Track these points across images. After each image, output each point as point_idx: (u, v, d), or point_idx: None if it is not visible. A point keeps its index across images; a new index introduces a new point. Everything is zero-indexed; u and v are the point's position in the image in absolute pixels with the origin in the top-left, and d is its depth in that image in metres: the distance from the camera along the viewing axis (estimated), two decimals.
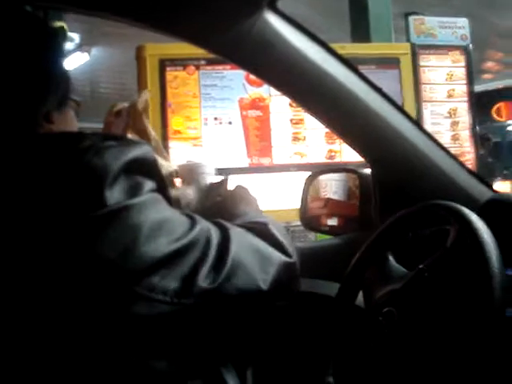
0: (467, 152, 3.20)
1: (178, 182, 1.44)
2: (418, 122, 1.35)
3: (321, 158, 2.93)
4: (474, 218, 0.90)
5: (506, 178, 8.14)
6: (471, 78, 3.29)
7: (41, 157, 0.75)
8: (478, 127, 3.22)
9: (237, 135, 2.88)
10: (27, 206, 0.72)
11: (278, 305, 0.98)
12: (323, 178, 1.89)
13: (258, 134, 2.88)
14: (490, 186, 1.30)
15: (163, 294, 0.75)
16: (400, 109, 1.32)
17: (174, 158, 2.83)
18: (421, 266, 0.96)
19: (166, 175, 1.40)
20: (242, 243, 0.88)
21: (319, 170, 1.86)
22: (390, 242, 1.11)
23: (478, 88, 3.57)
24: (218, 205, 1.27)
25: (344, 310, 1.15)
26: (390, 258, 1.10)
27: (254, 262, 0.88)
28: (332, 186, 1.99)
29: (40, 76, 0.87)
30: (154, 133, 1.60)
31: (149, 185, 0.79)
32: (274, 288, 0.89)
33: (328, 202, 1.81)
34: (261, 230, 0.96)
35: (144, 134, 1.54)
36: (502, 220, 1.09)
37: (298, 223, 1.88)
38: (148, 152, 0.81)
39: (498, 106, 10.33)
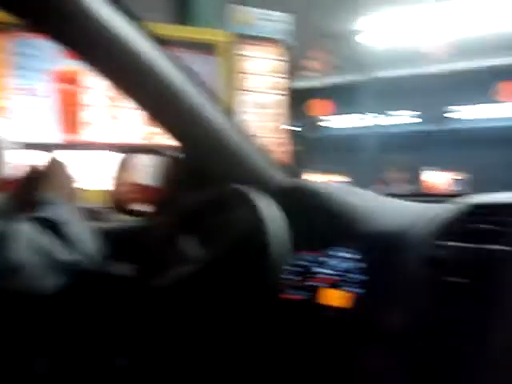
0: (283, 143, 3.31)
1: None
2: (225, 107, 1.36)
3: (136, 139, 2.88)
4: (261, 203, 0.93)
5: (317, 171, 8.63)
6: (290, 72, 3.40)
7: None
8: (294, 123, 3.35)
9: (49, 109, 2.74)
10: None
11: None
12: (136, 161, 1.85)
13: (71, 109, 2.77)
14: (293, 174, 1.35)
15: None
16: (208, 92, 1.32)
17: None
18: (213, 249, 0.98)
19: None
20: (29, 241, 0.85)
21: (132, 150, 1.82)
22: (186, 224, 1.11)
23: (298, 84, 3.71)
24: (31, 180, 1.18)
25: (139, 290, 1.14)
26: (186, 239, 1.10)
27: (40, 263, 0.85)
28: (142, 172, 1.97)
29: None
30: None
31: None
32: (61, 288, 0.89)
33: (139, 187, 1.78)
34: (54, 230, 0.93)
35: None
36: (296, 207, 1.13)
37: (105, 205, 1.83)
38: None
39: (312, 102, 10.91)
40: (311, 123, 11.66)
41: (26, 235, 0.85)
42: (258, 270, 0.85)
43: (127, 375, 1.11)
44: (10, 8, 1.10)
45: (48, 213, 0.97)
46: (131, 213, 1.90)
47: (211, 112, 1.30)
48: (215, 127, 1.29)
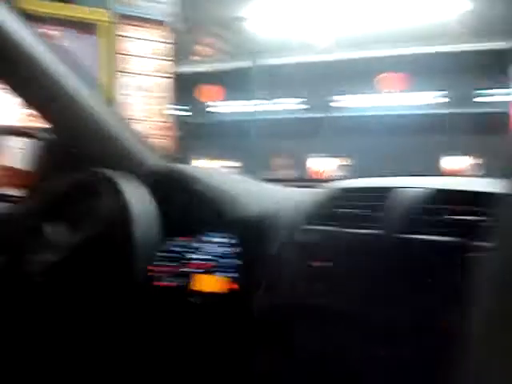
0: (167, 127, 3.26)
1: None
2: (97, 88, 1.32)
3: (11, 121, 2.74)
4: (127, 188, 0.90)
5: (204, 156, 8.63)
6: (177, 56, 3.35)
7: None
8: (182, 107, 3.31)
9: None
10: None
11: None
12: (8, 143, 1.76)
13: None
14: (170, 158, 1.33)
15: None
16: (83, 74, 1.28)
17: None
18: (78, 236, 0.94)
19: None
20: None
21: (3, 132, 1.73)
22: (50, 210, 1.07)
23: (186, 69, 3.67)
24: None
25: (6, 278, 1.08)
26: (53, 226, 1.06)
27: None
28: (16, 154, 1.88)
29: None
30: None
31: None
32: None
33: (10, 170, 1.70)
34: None
35: None
36: (168, 192, 1.11)
37: None
38: None
39: (200, 88, 10.89)
40: (199, 108, 11.63)
41: None
42: (122, 257, 0.83)
43: None
44: None
45: None
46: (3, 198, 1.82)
47: (84, 94, 1.25)
48: (87, 109, 1.24)
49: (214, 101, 11.32)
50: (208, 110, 11.97)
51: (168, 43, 3.41)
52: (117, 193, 0.88)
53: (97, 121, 1.26)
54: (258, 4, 9.44)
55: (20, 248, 1.08)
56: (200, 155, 8.33)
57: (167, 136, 3.16)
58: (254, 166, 8.25)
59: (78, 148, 1.28)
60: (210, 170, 1.22)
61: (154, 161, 1.29)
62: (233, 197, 1.03)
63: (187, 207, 1.05)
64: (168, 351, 0.94)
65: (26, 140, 1.67)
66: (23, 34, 1.16)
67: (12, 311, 1.06)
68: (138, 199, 0.88)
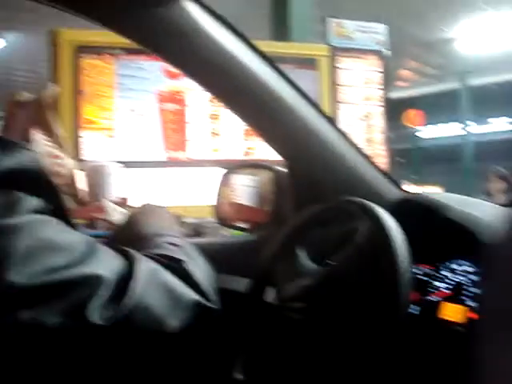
0: (380, 155, 3.28)
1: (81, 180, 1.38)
2: (332, 120, 1.36)
3: (237, 155, 2.92)
4: (384, 215, 0.91)
5: (413, 182, 8.46)
6: (386, 83, 3.38)
7: None
8: (390, 134, 3.31)
9: (153, 128, 2.83)
10: None
11: None
12: (235, 181, 1.88)
13: (174, 127, 2.85)
14: (400, 187, 1.33)
15: (40, 329, 0.65)
16: (315, 105, 1.33)
17: (84, 148, 2.75)
18: (330, 262, 0.97)
19: (67, 175, 1.34)
20: (150, 281, 0.77)
21: (235, 165, 1.85)
22: (300, 237, 1.11)
23: (392, 95, 3.67)
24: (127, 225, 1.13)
25: (253, 305, 1.14)
26: (301, 253, 1.10)
27: (163, 302, 0.77)
28: (243, 192, 1.99)
29: None
30: (60, 129, 1.50)
31: (30, 203, 0.69)
32: (185, 332, 0.79)
33: (238, 207, 1.81)
34: (175, 268, 0.84)
35: (48, 130, 1.45)
36: (411, 219, 1.11)
37: (212, 219, 1.86)
38: (31, 161, 0.70)
39: (409, 113, 10.71)
40: (404, 133, 11.48)
41: (147, 273, 0.78)
42: (388, 285, 0.83)
43: None
44: (118, 28, 1.15)
45: (167, 251, 0.89)
46: (238, 228, 1.93)
47: (319, 125, 1.30)
48: (323, 140, 1.29)
49: (419, 125, 11.10)
50: (413, 134, 11.75)
51: (379, 71, 3.43)
52: (374, 219, 0.90)
53: (332, 150, 1.30)
54: (464, 24, 9.13)
55: (266, 275, 1.15)
56: (408, 181, 8.19)
57: (384, 164, 3.17)
58: (464, 191, 7.90)
59: (314, 180, 1.32)
60: (453, 196, 1.19)
61: (390, 188, 1.30)
62: (479, 222, 0.99)
63: (430, 234, 1.04)
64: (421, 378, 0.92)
65: (251, 177, 1.77)
66: (260, 66, 1.24)
67: (259, 337, 1.12)
68: (392, 226, 0.88)
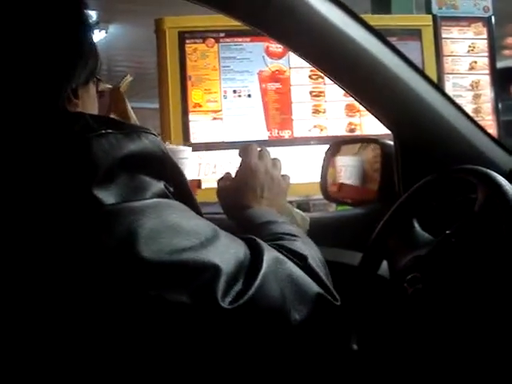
0: (489, 125, 3.15)
1: None
2: (441, 89, 1.33)
3: (341, 131, 2.90)
4: (503, 181, 0.88)
5: None
6: (493, 51, 3.24)
7: (40, 141, 0.70)
8: (499, 104, 3.19)
9: (256, 108, 2.86)
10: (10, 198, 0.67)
11: None
12: (339, 158, 1.88)
13: (278, 106, 2.87)
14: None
15: (165, 306, 0.67)
16: (423, 75, 1.31)
17: (194, 131, 2.83)
18: (448, 232, 0.95)
19: None
20: (276, 272, 0.76)
21: (340, 141, 1.85)
22: (415, 208, 1.10)
23: (499, 64, 3.52)
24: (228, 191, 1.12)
25: (367, 278, 1.15)
26: (416, 224, 1.09)
27: (287, 295, 0.76)
28: (347, 171, 1.99)
29: (72, 48, 0.80)
30: (134, 116, 1.59)
31: (156, 187, 0.71)
32: (307, 326, 0.78)
33: (342, 186, 1.81)
34: (300, 264, 0.82)
35: (125, 117, 1.54)
36: None
37: (319, 197, 1.87)
38: (154, 145, 0.73)
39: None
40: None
41: (272, 263, 0.77)
42: (509, 253, 0.81)
43: (358, 360, 1.12)
44: (224, 8, 1.17)
45: (288, 242, 0.87)
46: (344, 202, 1.93)
47: (427, 94, 1.27)
48: (432, 109, 1.26)
49: None
50: None
51: (486, 39, 3.29)
52: (492, 187, 0.87)
53: (442, 119, 1.27)
54: None
55: (379, 248, 1.14)
56: None
57: (494, 132, 3.05)
58: None
59: (424, 150, 1.30)
60: None
61: (505, 158, 1.26)
62: None
63: None
64: None
65: (356, 154, 1.75)
66: (368, 39, 1.23)
67: (373, 310, 1.12)
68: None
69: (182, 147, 1.45)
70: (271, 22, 1.16)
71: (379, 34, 1.25)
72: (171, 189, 0.74)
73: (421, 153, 1.31)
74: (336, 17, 1.19)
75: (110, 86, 1.49)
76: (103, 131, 0.69)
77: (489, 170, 0.92)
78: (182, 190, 0.77)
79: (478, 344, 0.85)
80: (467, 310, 0.88)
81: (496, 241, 0.85)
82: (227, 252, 0.73)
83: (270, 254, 0.77)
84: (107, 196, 0.66)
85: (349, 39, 1.20)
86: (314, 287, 0.80)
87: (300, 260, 0.82)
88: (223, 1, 1.13)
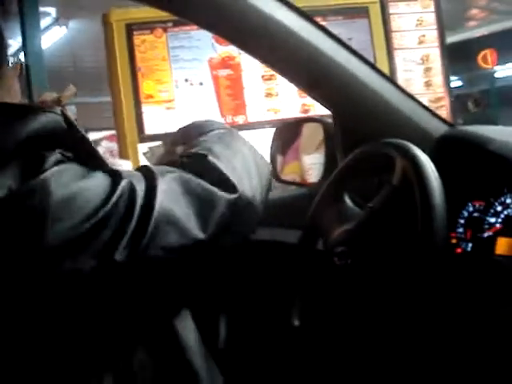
0: (441, 98, 3.19)
1: None
2: (372, 64, 1.35)
3: (294, 113, 2.92)
4: (417, 152, 0.91)
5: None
6: (441, 23, 3.27)
7: None
8: (458, 76, 3.22)
9: (209, 95, 2.87)
10: None
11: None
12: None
13: (230, 92, 2.88)
14: (447, 123, 1.31)
15: (78, 276, 0.69)
16: (355, 53, 1.32)
17: (148, 123, 2.83)
18: (369, 205, 0.98)
19: None
20: (172, 192, 0.79)
21: (285, 122, 1.87)
22: (345, 183, 1.13)
23: (463, 36, 3.56)
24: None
25: (304, 254, 1.17)
26: (347, 199, 1.12)
27: (188, 210, 0.79)
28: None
29: None
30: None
31: (52, 158, 0.72)
32: (218, 233, 0.81)
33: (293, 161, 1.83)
34: (198, 165, 0.85)
35: None
36: (458, 154, 1.10)
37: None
38: (52, 121, 0.74)
39: (483, 53, 10.26)
40: (481, 75, 11.04)
41: (167, 189, 0.80)
42: (424, 222, 0.83)
43: (300, 336, 1.14)
44: (160, 5, 1.18)
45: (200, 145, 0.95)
46: (294, 183, 1.96)
47: (359, 71, 1.29)
48: (365, 85, 1.28)
49: (493, 65, 10.65)
50: (488, 75, 11.30)
51: (433, 12, 3.32)
52: (407, 158, 0.90)
53: (374, 94, 1.29)
54: None
55: (316, 224, 1.17)
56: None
57: (442, 107, 3.09)
58: None
59: (360, 127, 1.32)
60: (502, 128, 1.16)
61: (439, 127, 1.29)
62: None
63: (480, 169, 1.02)
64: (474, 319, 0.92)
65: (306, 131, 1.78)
66: (300, 23, 1.24)
67: (313, 287, 1.15)
68: (427, 163, 0.88)
69: (120, 161, 1.46)
70: (200, 14, 1.17)
71: (308, 16, 1.26)
72: (69, 154, 0.75)
73: (357, 129, 1.33)
74: (266, 4, 1.20)
75: (54, 95, 1.49)
76: None
77: (405, 142, 0.95)
78: (82, 153, 0.78)
79: (400, 311, 0.87)
80: (389, 281, 0.90)
81: (411, 212, 0.87)
82: (125, 194, 0.74)
83: (164, 177, 0.80)
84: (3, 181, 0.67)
85: (282, 26, 1.21)
86: (214, 193, 0.83)
87: (199, 159, 0.86)
88: None
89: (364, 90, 1.29)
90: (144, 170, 0.81)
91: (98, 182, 0.74)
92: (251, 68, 2.91)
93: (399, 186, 0.92)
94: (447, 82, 3.21)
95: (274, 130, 2.66)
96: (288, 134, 1.79)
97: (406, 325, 0.86)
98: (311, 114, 2.91)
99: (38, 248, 0.67)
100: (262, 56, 1.33)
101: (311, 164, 1.96)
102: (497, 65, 10.69)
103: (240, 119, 2.90)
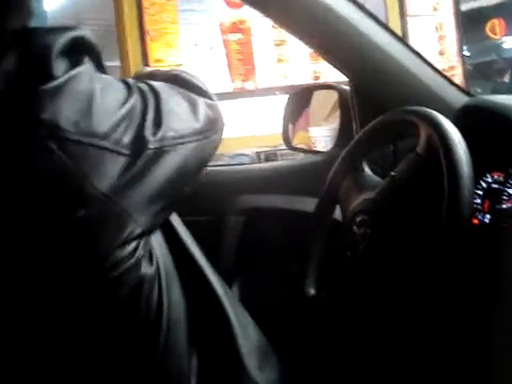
0: (454, 66, 3.15)
1: None
2: (394, 32, 1.32)
3: (305, 79, 2.89)
4: (442, 120, 0.88)
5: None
6: None
7: None
8: (467, 45, 3.18)
9: (219, 60, 2.83)
10: None
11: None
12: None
13: (241, 57, 2.83)
14: (466, 92, 1.29)
15: (126, 147, 0.76)
16: (376, 20, 1.29)
17: None
18: (392, 173, 0.96)
19: None
20: (170, 93, 0.89)
21: (300, 89, 1.84)
22: (364, 151, 1.11)
23: (471, 5, 3.50)
24: None
25: (321, 223, 1.16)
26: (366, 168, 1.10)
27: (184, 107, 0.89)
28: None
29: None
30: None
31: (88, 58, 0.79)
32: (206, 124, 0.91)
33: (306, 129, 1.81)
34: (176, 80, 0.96)
35: None
36: (478, 124, 1.08)
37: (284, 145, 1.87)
38: (85, 33, 0.80)
39: (491, 23, 10.11)
40: (489, 45, 10.91)
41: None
42: (452, 195, 0.82)
43: (315, 305, 1.14)
44: None
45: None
46: (306, 150, 1.94)
47: (379, 38, 1.27)
48: (384, 52, 1.26)
49: (502, 35, 10.50)
50: (497, 45, 11.16)
51: None
52: (432, 126, 0.88)
53: (394, 62, 1.27)
54: None
55: (333, 193, 1.15)
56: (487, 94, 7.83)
57: (455, 75, 3.05)
58: None
59: (379, 94, 1.30)
60: None
61: (458, 96, 1.26)
62: None
63: (500, 140, 1.00)
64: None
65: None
66: None
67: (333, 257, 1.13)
68: (455, 134, 0.86)
69: None
70: None
71: None
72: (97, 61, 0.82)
73: (375, 96, 1.31)
74: None
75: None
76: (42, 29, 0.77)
77: (430, 110, 0.92)
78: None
79: (422, 283, 0.86)
80: (411, 252, 0.89)
81: (438, 180, 0.85)
82: (140, 90, 0.83)
83: (158, 84, 0.88)
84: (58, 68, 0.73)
85: None
86: (197, 97, 0.93)
87: (175, 75, 0.97)
88: None
89: (384, 56, 1.27)
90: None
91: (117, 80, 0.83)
92: (262, 33, 2.87)
93: (424, 155, 0.90)
94: (461, 50, 3.17)
95: (283, 96, 2.66)
96: (299, 101, 1.76)
97: (427, 300, 0.85)
98: (322, 80, 2.88)
99: (90, 124, 0.73)
100: (278, 18, 1.30)
101: (320, 136, 1.95)
102: (505, 35, 10.55)
103: (250, 85, 2.86)
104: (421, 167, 0.91)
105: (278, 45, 2.87)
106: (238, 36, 2.85)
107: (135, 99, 0.80)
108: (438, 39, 3.16)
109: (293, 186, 1.46)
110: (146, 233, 0.80)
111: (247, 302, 1.07)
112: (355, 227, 0.98)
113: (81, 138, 0.71)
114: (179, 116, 0.87)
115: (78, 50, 0.77)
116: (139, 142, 0.77)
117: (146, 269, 0.81)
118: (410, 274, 0.89)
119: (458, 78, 3.11)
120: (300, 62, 2.88)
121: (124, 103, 0.78)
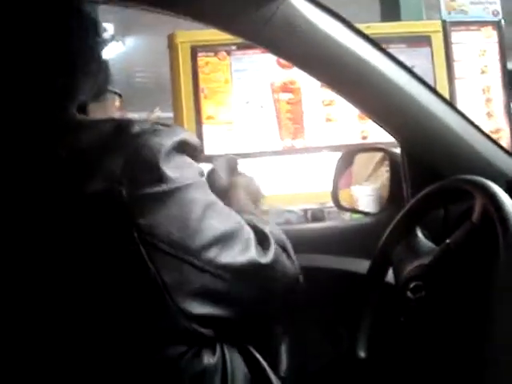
0: (502, 129, 3.15)
1: None
2: (445, 98, 1.35)
3: (353, 139, 2.92)
4: (497, 190, 0.91)
5: None
6: (504, 54, 3.23)
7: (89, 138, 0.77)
8: None
9: (269, 119, 2.89)
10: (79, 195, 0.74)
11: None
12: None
13: (290, 116, 2.89)
14: None
15: (222, 268, 0.78)
16: (427, 85, 1.33)
17: (208, 143, 2.87)
18: (448, 241, 0.98)
19: None
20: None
21: (350, 150, 1.87)
22: (418, 217, 1.13)
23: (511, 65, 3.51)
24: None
25: (374, 286, 1.17)
26: (419, 233, 1.12)
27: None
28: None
29: (71, 59, 0.83)
30: None
31: (197, 167, 0.83)
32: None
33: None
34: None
35: None
36: None
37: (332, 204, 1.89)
38: (193, 136, 0.85)
39: None
40: None
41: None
42: (507, 263, 0.83)
43: (365, 369, 1.14)
44: (230, 28, 1.21)
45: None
46: (356, 211, 1.96)
47: (432, 104, 1.29)
48: (438, 118, 1.28)
49: None
50: None
51: (496, 42, 3.29)
52: (488, 196, 0.90)
53: (448, 128, 1.29)
54: None
55: (385, 256, 1.17)
56: None
57: (502, 138, 3.05)
58: None
59: (430, 159, 1.32)
60: None
61: (505, 162, 1.28)
62: None
63: None
64: None
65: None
66: (368, 50, 1.26)
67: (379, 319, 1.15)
68: (509, 202, 0.88)
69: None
70: (272, 39, 1.20)
71: (380, 46, 1.28)
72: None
73: (426, 161, 1.34)
74: (338, 32, 1.22)
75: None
76: (157, 127, 0.80)
77: (485, 180, 0.95)
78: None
79: (476, 349, 0.87)
80: (467, 317, 0.90)
81: (493, 250, 0.87)
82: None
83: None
84: (169, 171, 0.76)
85: (351, 53, 1.23)
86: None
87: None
88: (224, 19, 1.17)
89: (435, 122, 1.30)
90: None
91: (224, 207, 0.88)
92: (312, 92, 2.93)
93: (479, 224, 0.92)
94: (508, 111, 3.17)
95: (331, 154, 2.70)
96: (347, 160, 1.80)
97: (482, 368, 0.86)
98: (370, 140, 2.90)
99: (186, 235, 0.76)
100: (333, 83, 1.34)
101: (362, 195, 1.97)
102: None
103: (299, 143, 2.91)
104: (476, 236, 0.93)
105: (326, 105, 2.92)
106: (289, 95, 2.92)
107: (240, 223, 0.85)
108: (486, 101, 3.17)
109: (341, 247, 1.48)
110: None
111: (296, 362, 1.08)
112: (409, 292, 1.00)
113: (171, 250, 0.74)
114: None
115: (186, 154, 0.82)
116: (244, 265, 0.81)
117: None
118: (464, 342, 0.90)
119: (505, 140, 3.10)
120: (348, 122, 2.92)
121: (225, 222, 0.82)
